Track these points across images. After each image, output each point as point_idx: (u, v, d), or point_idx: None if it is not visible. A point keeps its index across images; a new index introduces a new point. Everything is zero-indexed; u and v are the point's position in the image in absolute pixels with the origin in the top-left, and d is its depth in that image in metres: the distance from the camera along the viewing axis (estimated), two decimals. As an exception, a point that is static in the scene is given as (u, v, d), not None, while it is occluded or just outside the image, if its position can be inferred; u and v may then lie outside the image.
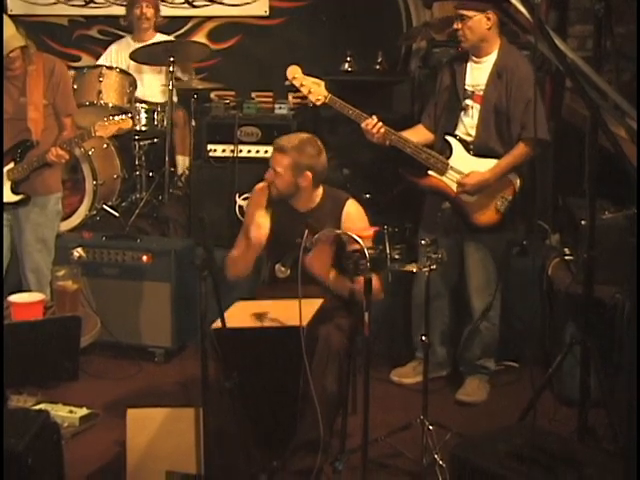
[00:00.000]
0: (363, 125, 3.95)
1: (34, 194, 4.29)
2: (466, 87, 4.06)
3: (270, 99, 5.34)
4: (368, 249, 3.10)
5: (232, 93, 5.66)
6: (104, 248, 4.69)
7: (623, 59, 4.46)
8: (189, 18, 6.33)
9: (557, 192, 4.98)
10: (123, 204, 5.49)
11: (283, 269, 3.27)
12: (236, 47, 6.27)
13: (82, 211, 5.09)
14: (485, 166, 3.99)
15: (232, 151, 5.05)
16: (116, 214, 5.31)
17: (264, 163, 4.93)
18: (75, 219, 5.07)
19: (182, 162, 5.74)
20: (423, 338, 3.53)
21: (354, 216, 3.68)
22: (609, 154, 3.01)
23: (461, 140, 4.03)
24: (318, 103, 3.98)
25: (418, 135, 4.14)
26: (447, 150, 4.03)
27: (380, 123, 3.93)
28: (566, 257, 4.34)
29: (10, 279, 4.38)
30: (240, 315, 3.36)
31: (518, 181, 4.05)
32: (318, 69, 5.65)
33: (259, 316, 3.32)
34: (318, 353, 3.30)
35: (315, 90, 3.96)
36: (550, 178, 5.02)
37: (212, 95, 5.77)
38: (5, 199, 4.23)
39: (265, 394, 3.29)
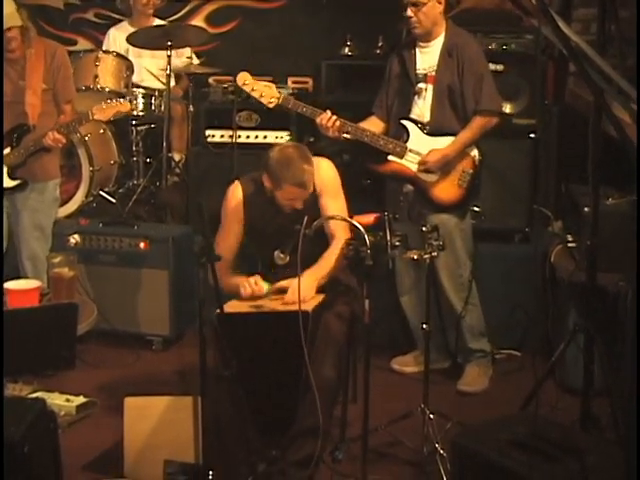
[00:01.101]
0: (318, 120, 3.97)
1: (32, 180, 4.28)
2: (417, 71, 4.10)
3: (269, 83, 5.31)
4: (368, 236, 3.09)
5: (231, 78, 5.63)
6: (101, 235, 4.69)
7: (627, 43, 4.44)
8: (187, 1, 6.31)
9: (560, 178, 4.98)
10: (120, 190, 5.49)
11: (282, 256, 3.26)
12: (235, 31, 6.26)
13: (78, 197, 5.08)
14: (443, 144, 4.03)
15: (231, 137, 5.04)
16: (113, 200, 5.30)
17: (263, 149, 4.96)
18: (71, 205, 5.07)
19: (179, 155, 5.73)
20: (424, 326, 3.53)
21: (327, 169, 3.65)
22: (613, 139, 3.00)
23: (417, 122, 4.06)
24: (271, 105, 4.03)
25: (371, 126, 4.16)
26: (404, 134, 4.07)
27: (334, 116, 3.96)
28: (569, 244, 4.32)
29: (7, 266, 4.37)
30: (241, 305, 3.35)
31: (476, 153, 4.09)
32: (317, 53, 5.67)
33: (260, 306, 3.32)
34: (317, 340, 3.30)
35: (267, 93, 4.01)
36: (553, 164, 5.02)
37: (210, 80, 5.75)
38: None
39: (265, 382, 3.29)
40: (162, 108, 5.48)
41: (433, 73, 4.06)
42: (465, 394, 4.16)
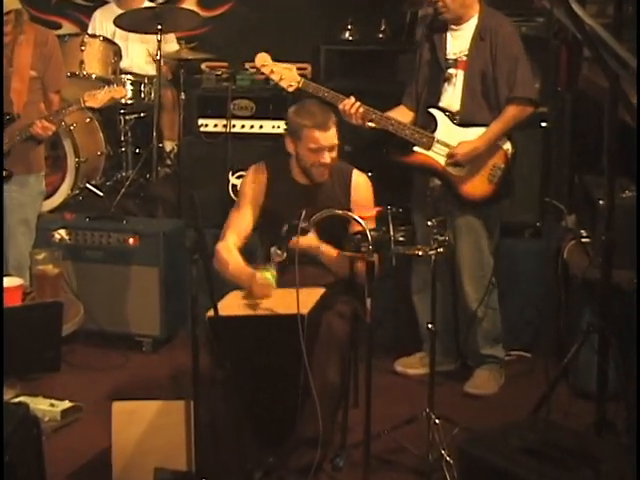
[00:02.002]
0: (340, 106, 3.95)
1: (16, 172, 4.27)
2: (448, 56, 4.08)
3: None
4: (371, 231, 3.09)
5: (224, 64, 5.63)
6: (87, 230, 4.68)
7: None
8: (178, -17, 6.30)
9: (573, 169, 4.97)
10: (108, 183, 5.48)
11: (279, 252, 3.25)
12: (228, 14, 6.24)
13: (64, 190, 5.08)
14: (473, 136, 4.01)
15: (225, 126, 5.03)
16: (100, 193, 5.30)
17: (259, 139, 5.00)
18: (56, 199, 5.06)
19: (170, 143, 5.72)
20: (429, 326, 3.53)
21: (363, 186, 3.71)
22: (630, 128, 2.99)
23: (445, 111, 4.04)
24: (291, 89, 4.01)
25: (399, 115, 4.15)
26: (432, 124, 4.05)
27: (358, 103, 3.94)
28: (583, 239, 4.32)
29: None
30: (235, 305, 3.34)
31: (509, 147, 4.06)
32: (316, 37, 5.65)
33: (256, 306, 3.31)
34: (320, 342, 3.30)
35: (287, 76, 3.98)
36: (566, 154, 5.01)
37: (203, 66, 5.74)
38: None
39: (262, 386, 3.29)
40: (152, 96, 5.47)
41: (464, 58, 4.03)
42: (473, 397, 4.15)
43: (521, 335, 4.53)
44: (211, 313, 3.07)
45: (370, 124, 3.99)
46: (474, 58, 4.02)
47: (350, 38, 5.64)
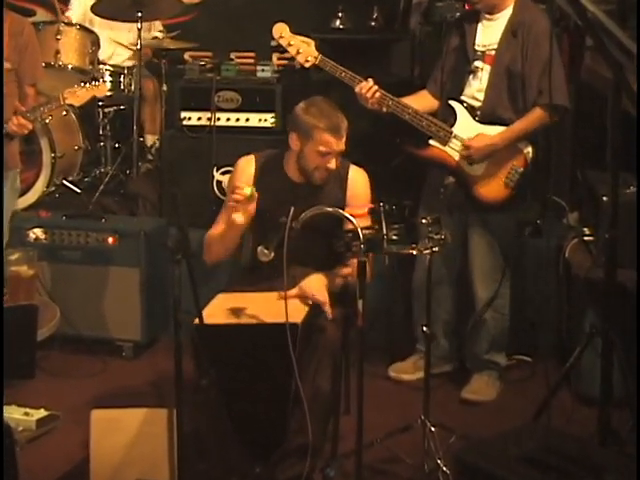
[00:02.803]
0: (357, 89, 3.93)
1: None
2: (476, 47, 4.05)
3: (252, 60, 5.30)
4: (362, 229, 3.09)
5: (208, 54, 5.61)
6: (64, 229, 4.67)
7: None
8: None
9: (575, 164, 4.98)
10: (86, 179, 5.48)
11: (266, 252, 3.24)
12: (212, 1, 6.23)
13: (39, 187, 5.07)
14: (492, 134, 3.98)
15: (209, 119, 5.02)
16: (78, 190, 5.29)
17: (245, 132, 5.00)
18: (31, 196, 5.06)
19: (152, 137, 5.72)
20: (424, 329, 3.53)
21: (361, 183, 3.70)
22: (634, 121, 3.00)
23: (467, 106, 4.02)
24: (307, 65, 3.96)
25: (421, 102, 4.13)
26: (451, 117, 4.02)
27: (376, 87, 3.92)
28: (585, 238, 4.34)
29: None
30: (222, 311, 3.34)
31: (530, 150, 4.04)
32: (305, 26, 5.64)
33: (244, 312, 3.30)
34: (310, 347, 3.29)
35: (305, 50, 3.94)
36: (568, 148, 5.02)
37: (186, 56, 5.73)
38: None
39: (249, 393, 3.29)
40: (132, 87, 5.46)
41: (493, 52, 4.01)
42: (470, 403, 4.16)
43: (521, 338, 4.53)
44: (197, 321, 3.06)
45: (385, 109, 3.96)
46: (503, 53, 3.99)
47: (341, 26, 5.64)
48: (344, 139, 3.54)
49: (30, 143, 5.03)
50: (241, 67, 5.22)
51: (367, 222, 3.29)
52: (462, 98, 4.04)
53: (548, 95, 3.84)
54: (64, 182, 5.24)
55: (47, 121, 4.94)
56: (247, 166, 3.68)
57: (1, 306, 3.14)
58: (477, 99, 4.04)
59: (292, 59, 5.50)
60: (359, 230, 3.07)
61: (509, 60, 3.98)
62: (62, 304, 4.17)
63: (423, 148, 4.03)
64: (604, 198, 4.01)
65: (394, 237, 3.18)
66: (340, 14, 5.63)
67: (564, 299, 4.39)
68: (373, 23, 5.66)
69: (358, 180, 3.70)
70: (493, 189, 4.03)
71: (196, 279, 2.89)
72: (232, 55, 5.41)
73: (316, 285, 3.44)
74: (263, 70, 5.10)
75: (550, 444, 2.82)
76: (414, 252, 3.40)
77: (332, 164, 3.53)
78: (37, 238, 4.65)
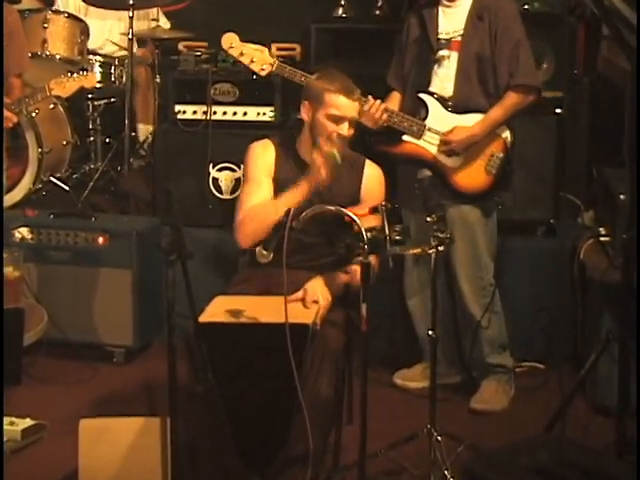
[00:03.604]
0: (365, 108, 3.92)
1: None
2: (440, 36, 4.10)
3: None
4: (367, 230, 3.09)
5: (204, 44, 5.62)
6: (52, 228, 4.68)
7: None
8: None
9: (591, 161, 4.98)
10: (74, 176, 5.47)
11: (265, 253, 3.25)
12: (209, -12, 6.24)
13: (25, 184, 5.06)
14: (468, 123, 4.04)
15: (204, 113, 5.02)
16: (66, 188, 5.29)
17: (243, 127, 5.00)
18: (17, 194, 5.05)
19: (145, 130, 5.72)
20: (430, 333, 3.54)
21: (376, 179, 3.73)
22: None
23: (437, 97, 4.07)
24: (263, 73, 4.03)
25: (395, 104, 4.18)
26: (422, 110, 4.07)
27: (384, 105, 3.96)
28: (601, 238, 4.34)
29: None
30: (221, 313, 3.33)
31: (508, 135, 4.10)
32: (306, 15, 5.66)
33: (244, 314, 3.30)
34: (311, 354, 3.29)
35: (259, 58, 4.00)
36: (582, 144, 5.02)
37: (180, 46, 5.74)
38: None
39: (248, 401, 3.28)
40: (123, 79, 5.46)
41: (459, 38, 4.06)
42: (480, 413, 4.16)
43: (533, 344, 4.54)
44: (202, 318, 3.08)
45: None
46: (470, 39, 4.05)
47: (344, 15, 5.65)
48: (357, 106, 3.58)
49: (15, 137, 5.02)
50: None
51: (371, 222, 3.29)
52: (431, 89, 4.09)
53: (519, 77, 3.99)
54: (52, 179, 5.24)
55: (33, 114, 4.95)
56: (266, 150, 3.68)
57: (1, 306, 3.15)
58: (446, 89, 4.09)
59: (293, 50, 5.54)
60: (363, 231, 3.07)
61: (477, 45, 4.04)
62: (50, 307, 4.17)
63: (396, 145, 4.08)
64: (621, 196, 4.02)
65: (397, 237, 3.18)
66: (342, 2, 5.64)
67: (579, 303, 4.39)
68: (377, 12, 5.67)
69: (374, 176, 3.73)
70: (474, 178, 4.08)
71: (191, 281, 2.89)
72: (229, 45, 5.41)
73: (320, 289, 3.44)
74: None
75: (564, 456, 2.82)
76: (419, 252, 3.41)
77: (344, 130, 3.54)
78: (23, 238, 4.66)
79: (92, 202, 5.30)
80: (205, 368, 3.00)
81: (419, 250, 3.40)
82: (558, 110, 4.71)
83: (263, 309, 3.31)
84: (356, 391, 3.53)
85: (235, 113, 5.04)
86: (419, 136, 4.05)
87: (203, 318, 3.13)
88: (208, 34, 5.74)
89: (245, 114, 5.02)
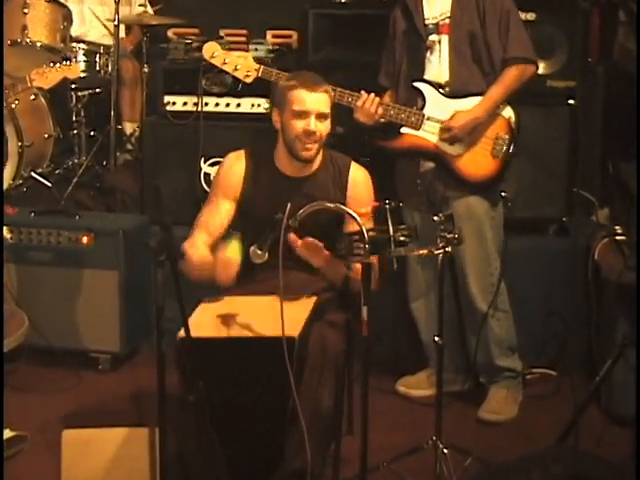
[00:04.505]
0: (359, 103, 3.97)
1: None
2: (427, 21, 4.13)
3: (244, 39, 5.31)
4: (368, 230, 3.09)
5: (195, 30, 5.63)
6: (33, 227, 4.68)
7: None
8: None
9: (606, 155, 4.98)
10: (57, 171, 5.47)
11: (259, 252, 3.25)
12: (200, -29, 6.23)
13: (4, 180, 5.06)
14: (468, 107, 4.05)
15: (195, 104, 5.02)
16: (48, 184, 5.29)
17: (236, 119, 4.99)
18: (-5, 190, 5.05)
19: (131, 125, 5.71)
20: (436, 339, 3.54)
21: (362, 182, 3.75)
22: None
23: (433, 83, 4.09)
24: (248, 80, 4.10)
25: (388, 101, 4.19)
26: (418, 99, 4.09)
27: (378, 98, 3.97)
28: (617, 237, 4.34)
29: None
30: (210, 321, 3.33)
31: (512, 114, 4.10)
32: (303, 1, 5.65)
33: (234, 322, 3.30)
34: (311, 361, 3.29)
35: (242, 65, 4.07)
36: (597, 137, 5.02)
37: (169, 33, 5.74)
38: None
39: (242, 411, 3.29)
40: (109, 68, 5.46)
41: (447, 20, 4.09)
42: (488, 423, 4.17)
43: (545, 349, 4.55)
44: (182, 333, 3.06)
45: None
46: (459, 19, 4.07)
47: (343, 0, 5.64)
48: (323, 99, 3.60)
49: (-7, 131, 5.03)
50: (232, 46, 5.20)
51: (370, 223, 3.30)
52: (426, 77, 4.11)
53: (513, 49, 4.03)
54: (33, 174, 5.24)
55: (13, 106, 4.95)
56: (236, 162, 3.73)
57: (1, 305, 3.15)
58: (441, 74, 4.11)
59: (289, 37, 5.54)
60: (364, 230, 3.06)
61: (467, 24, 4.07)
62: (31, 311, 4.17)
63: (395, 138, 4.09)
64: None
65: (402, 238, 3.18)
66: (342, -14, 5.62)
67: (593, 306, 4.39)
68: (379, -3, 5.66)
69: (359, 180, 3.74)
70: (481, 164, 4.09)
71: (181, 283, 2.89)
72: (222, 32, 5.42)
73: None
74: (256, 49, 5.10)
75: (578, 468, 2.82)
76: (424, 254, 3.42)
77: (311, 125, 3.57)
78: (2, 237, 4.65)
79: (76, 199, 5.30)
80: (196, 376, 3.00)
81: (425, 251, 3.40)
82: (571, 101, 4.71)
83: (253, 316, 3.32)
84: (357, 400, 3.54)
85: (228, 105, 5.04)
86: (418, 127, 4.06)
87: (192, 330, 3.11)
88: (199, 20, 5.76)
89: (238, 106, 5.02)
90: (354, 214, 3.13)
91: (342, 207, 3.27)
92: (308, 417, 3.17)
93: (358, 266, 3.19)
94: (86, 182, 5.44)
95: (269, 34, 5.52)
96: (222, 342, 3.26)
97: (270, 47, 5.21)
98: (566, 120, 4.71)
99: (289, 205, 3.15)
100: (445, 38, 4.09)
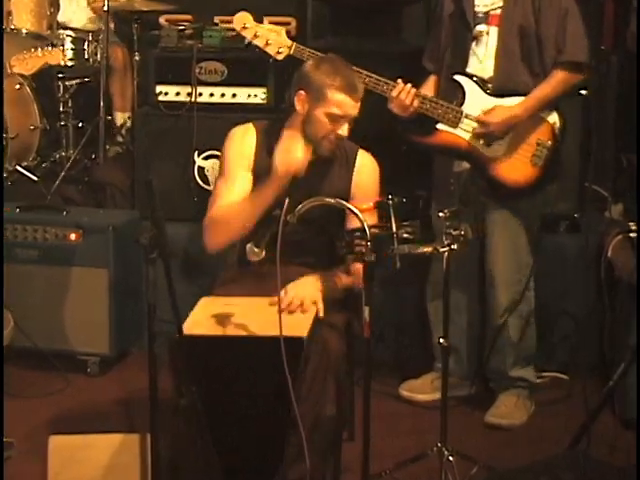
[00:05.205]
0: (393, 93, 3.91)
1: None
2: (477, 8, 4.07)
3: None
4: (371, 227, 3.10)
5: (188, 17, 5.62)
6: (18, 223, 4.67)
7: None
8: None
9: (619, 148, 4.99)
10: (44, 164, 5.48)
11: (256, 250, 3.25)
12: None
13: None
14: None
15: (189, 94, 5.03)
16: (34, 178, 5.29)
17: (231, 110, 4.99)
18: (-22, 185, 5.06)
19: (122, 116, 5.72)
20: (441, 341, 3.54)
21: (370, 170, 3.72)
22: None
23: (475, 79, 4.04)
24: (280, 57, 3.99)
25: (430, 88, 4.17)
26: (458, 94, 4.04)
27: (414, 89, 3.91)
28: (631, 234, 4.35)
29: None
30: (208, 318, 3.34)
31: (557, 120, 4.06)
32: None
33: (232, 321, 3.30)
34: (312, 365, 3.29)
35: (275, 40, 3.97)
36: (610, 129, 5.02)
37: (161, 20, 5.74)
38: None
39: (238, 416, 3.29)
40: (98, 56, 5.46)
41: (498, 11, 4.02)
42: (496, 428, 4.17)
43: (555, 352, 4.55)
44: (186, 329, 3.06)
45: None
46: (511, 11, 4.00)
47: (345, -16, 5.64)
48: (359, 104, 3.55)
49: (-24, 122, 5.04)
50: (227, 33, 5.21)
51: (373, 219, 3.30)
52: (468, 71, 4.06)
53: (568, 52, 3.94)
54: (18, 168, 5.25)
55: (-3, 96, 4.97)
56: (247, 134, 3.68)
57: (1, 303, 3.16)
58: (486, 69, 4.05)
59: (287, 24, 5.54)
60: (366, 227, 3.07)
61: (520, 17, 4.00)
62: (16, 311, 4.16)
63: (430, 134, 4.05)
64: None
65: (405, 235, 3.19)
66: (343, -29, 5.62)
67: (606, 306, 4.39)
68: (383, -18, 5.66)
69: (367, 167, 3.72)
70: (518, 170, 4.04)
71: (174, 282, 2.90)
72: (216, 19, 5.42)
73: (304, 289, 3.44)
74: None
75: (589, 475, 2.83)
76: (429, 251, 3.42)
77: (344, 131, 3.54)
78: (-14, 234, 4.67)
79: (63, 194, 5.30)
80: (189, 379, 3.01)
81: (430, 249, 3.40)
82: (583, 91, 4.70)
83: (251, 316, 3.32)
84: (358, 404, 3.55)
85: (223, 95, 5.04)
86: (455, 124, 4.00)
87: (187, 328, 3.12)
88: (193, 6, 5.75)
89: (234, 96, 5.03)
90: (355, 210, 3.13)
91: (343, 202, 3.26)
92: (309, 423, 3.18)
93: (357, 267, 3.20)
94: (74, 176, 5.44)
95: (266, 21, 5.50)
96: (220, 341, 3.25)
97: (267, 34, 5.20)
98: (578, 111, 4.71)
99: (287, 201, 3.15)
100: (494, 30, 4.02)
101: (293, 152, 3.43)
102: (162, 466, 2.98)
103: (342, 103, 3.50)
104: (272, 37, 3.97)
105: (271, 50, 3.98)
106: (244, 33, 4.00)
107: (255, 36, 3.98)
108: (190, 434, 3.16)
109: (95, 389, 4.51)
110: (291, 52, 3.96)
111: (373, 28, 4.91)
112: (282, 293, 3.38)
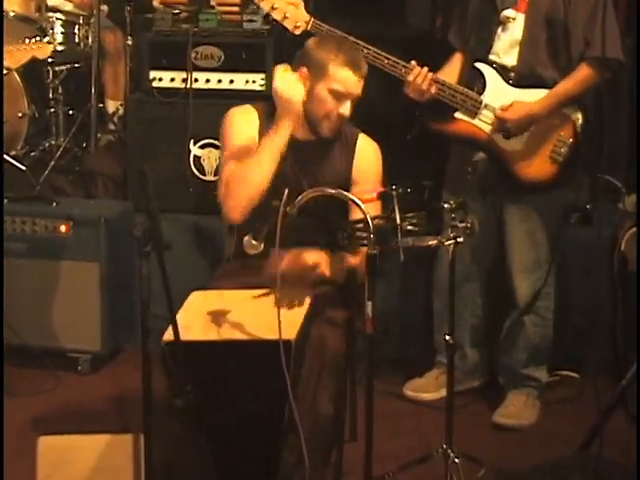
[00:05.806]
0: (410, 77, 3.88)
1: None
2: None
3: (237, 8, 5.30)
4: (374, 219, 3.10)
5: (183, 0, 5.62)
6: (6, 215, 4.67)
7: None
8: None
9: (633, 136, 4.98)
10: (32, 153, 5.48)
11: (254, 243, 3.24)
12: None
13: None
14: (531, 100, 3.98)
15: (184, 80, 5.03)
16: (23, 167, 5.29)
17: (228, 97, 4.99)
18: (-36, 175, 5.06)
19: (114, 103, 5.71)
20: (447, 337, 3.54)
21: (372, 155, 3.72)
22: None
23: (497, 66, 4.02)
24: (297, 32, 3.93)
25: (455, 66, 4.14)
26: (478, 82, 4.02)
27: (431, 73, 3.88)
28: (645, 226, 4.35)
29: None
30: (201, 317, 3.34)
31: (580, 117, 4.05)
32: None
33: (225, 321, 3.30)
34: (308, 364, 3.30)
35: (292, 14, 3.92)
36: (623, 117, 5.02)
37: (155, 2, 5.73)
38: None
39: (234, 417, 3.30)
40: (89, 41, 5.46)
41: None
42: (504, 428, 4.18)
43: (567, 349, 4.55)
44: (169, 337, 3.06)
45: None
46: None
47: (346, -32, 5.64)
48: (362, 83, 3.54)
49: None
50: (224, 16, 5.21)
51: (377, 210, 3.30)
52: (491, 58, 4.03)
53: (598, 47, 3.87)
54: (5, 157, 5.24)
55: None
56: (248, 114, 3.68)
57: (1, 302, 3.16)
58: (509, 57, 4.03)
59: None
60: (369, 218, 3.06)
61: (548, 5, 3.96)
62: (4, 307, 4.17)
63: (447, 122, 4.03)
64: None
65: (410, 227, 3.18)
66: (345, -52, 5.62)
67: (619, 301, 4.39)
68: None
69: (368, 152, 3.71)
70: (537, 166, 4.04)
71: (169, 276, 2.90)
72: (213, 2, 5.41)
73: (310, 253, 3.48)
74: (251, 20, 5.09)
75: (601, 477, 2.83)
76: (434, 244, 3.42)
77: (346, 110, 3.54)
78: (-28, 226, 4.67)
79: (53, 184, 5.30)
80: (184, 379, 3.01)
81: (434, 242, 3.40)
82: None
83: (246, 313, 3.32)
84: (360, 403, 3.55)
85: (220, 81, 5.04)
86: (474, 114, 3.99)
87: (177, 327, 3.11)
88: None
89: (231, 82, 5.03)
90: (358, 201, 3.13)
91: (345, 193, 3.25)
92: (307, 425, 3.18)
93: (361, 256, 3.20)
94: (64, 165, 5.44)
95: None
96: (213, 345, 3.25)
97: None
98: (590, 99, 4.70)
99: (286, 191, 3.15)
100: (521, 17, 3.98)
101: (291, 82, 3.44)
102: (155, 468, 2.98)
103: (345, 79, 3.50)
104: (290, 10, 3.90)
105: (289, 24, 3.91)
106: (262, 4, 3.94)
107: (272, 8, 3.90)
108: (185, 436, 3.16)
109: (86, 388, 4.52)
110: (308, 27, 3.89)
111: (378, 11, 4.90)
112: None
